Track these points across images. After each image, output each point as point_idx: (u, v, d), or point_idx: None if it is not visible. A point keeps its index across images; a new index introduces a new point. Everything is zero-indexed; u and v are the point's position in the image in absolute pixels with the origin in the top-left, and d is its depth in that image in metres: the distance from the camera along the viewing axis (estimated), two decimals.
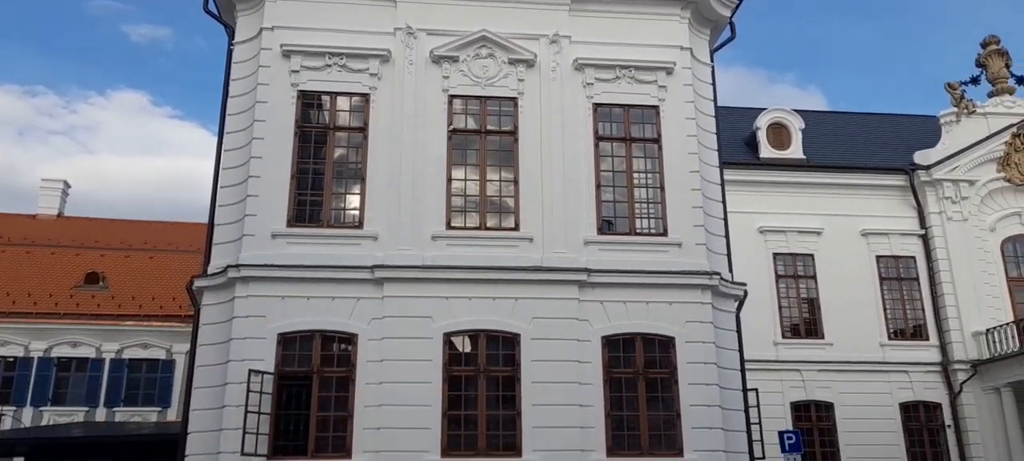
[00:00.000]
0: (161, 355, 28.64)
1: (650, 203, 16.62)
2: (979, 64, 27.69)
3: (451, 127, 16.59)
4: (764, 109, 26.57)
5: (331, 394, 14.92)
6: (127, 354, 28.55)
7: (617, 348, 15.64)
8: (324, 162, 16.26)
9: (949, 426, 23.24)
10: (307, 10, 16.88)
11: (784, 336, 23.58)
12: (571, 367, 15.20)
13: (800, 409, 22.90)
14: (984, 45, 27.80)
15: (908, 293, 24.60)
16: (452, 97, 16.77)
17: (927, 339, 24.04)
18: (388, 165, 16.15)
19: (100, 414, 27.95)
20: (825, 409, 23.02)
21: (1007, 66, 27.42)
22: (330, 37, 16.70)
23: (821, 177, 25.00)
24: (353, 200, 16.13)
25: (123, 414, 27.89)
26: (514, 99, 16.86)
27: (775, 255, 24.25)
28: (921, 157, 25.44)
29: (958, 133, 25.90)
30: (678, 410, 15.29)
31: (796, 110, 26.85)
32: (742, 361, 16.58)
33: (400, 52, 16.83)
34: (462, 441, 14.82)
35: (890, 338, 23.96)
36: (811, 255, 24.37)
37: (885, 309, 24.26)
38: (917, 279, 24.65)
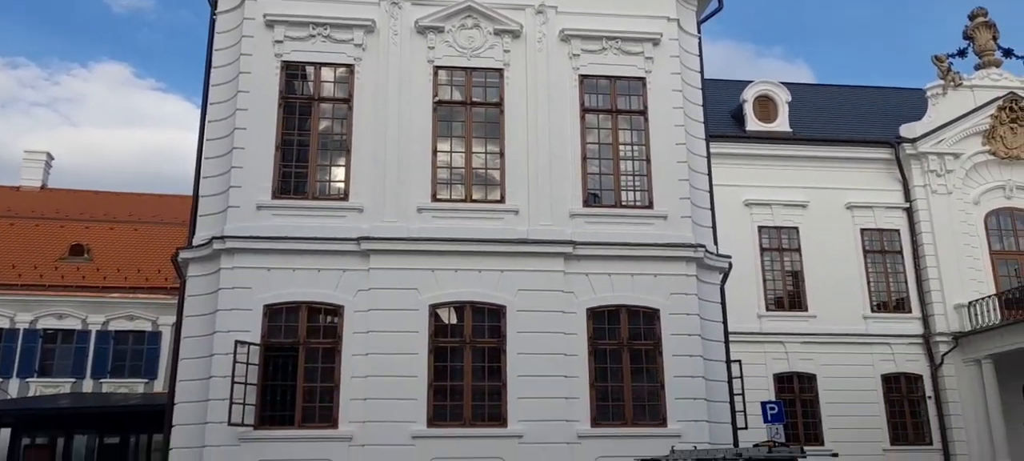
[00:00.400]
0: (147, 327, 28.60)
1: (636, 175, 16.64)
2: (966, 36, 27.72)
3: (436, 98, 16.52)
4: (751, 81, 26.54)
5: (317, 365, 14.98)
6: (113, 326, 28.48)
7: (602, 320, 15.74)
8: (309, 133, 16.18)
9: (930, 397, 23.55)
10: None
11: (768, 309, 23.77)
12: (556, 338, 15.30)
13: (783, 380, 23.15)
14: (971, 18, 27.82)
15: (892, 266, 24.81)
16: (437, 68, 16.67)
17: (909, 312, 24.29)
18: (373, 137, 16.09)
19: (87, 385, 27.93)
20: (808, 381, 23.29)
21: (994, 39, 27.44)
22: (314, 7, 16.54)
23: (807, 150, 25.06)
24: (338, 172, 16.09)
25: (110, 385, 27.90)
26: (500, 70, 16.78)
27: (760, 228, 24.36)
28: (907, 130, 25.53)
29: (944, 106, 25.98)
30: (662, 381, 15.45)
31: (783, 83, 26.86)
32: (726, 333, 16.73)
33: (385, 22, 16.70)
34: (448, 412, 14.94)
35: (873, 311, 24.19)
36: (796, 228, 24.50)
37: (869, 282, 24.47)
38: (901, 252, 24.84)
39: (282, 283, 15.14)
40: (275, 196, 15.63)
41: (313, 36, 16.48)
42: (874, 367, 23.51)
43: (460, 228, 15.71)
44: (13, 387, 27.76)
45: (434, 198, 15.97)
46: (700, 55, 18.24)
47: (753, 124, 25.66)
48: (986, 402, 22.64)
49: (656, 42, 17.25)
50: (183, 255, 15.69)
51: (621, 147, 16.77)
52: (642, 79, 17.13)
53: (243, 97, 16.00)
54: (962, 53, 27.42)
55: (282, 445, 14.38)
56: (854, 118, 27.42)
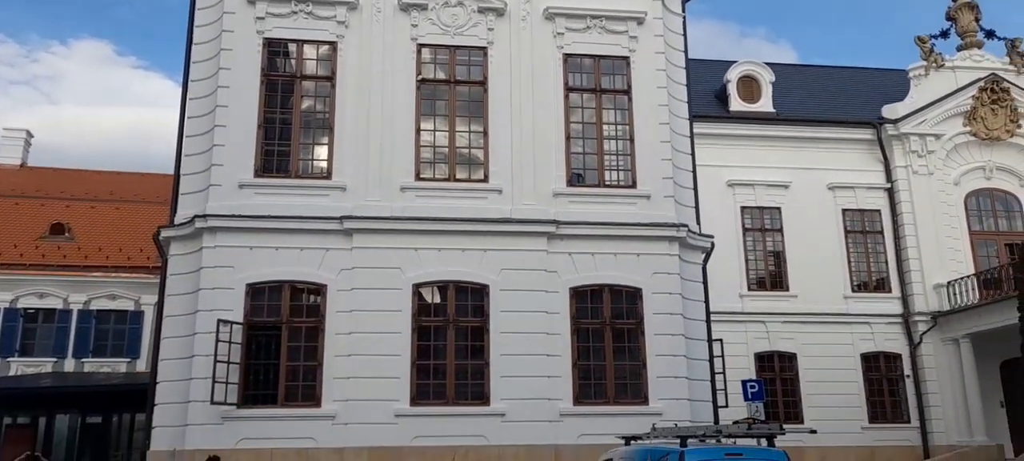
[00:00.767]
0: (129, 306, 28.41)
1: (619, 155, 16.67)
2: (949, 17, 27.80)
3: (420, 77, 16.44)
4: (735, 62, 26.55)
5: (300, 344, 15.00)
6: (95, 305, 28.25)
7: (585, 299, 15.82)
8: (291, 112, 16.08)
9: (908, 376, 23.84)
10: None
11: (750, 288, 23.91)
12: (539, 318, 15.38)
13: (764, 359, 23.36)
14: None
15: (872, 246, 25.01)
16: (421, 46, 16.58)
17: (889, 291, 24.50)
18: (356, 115, 16.01)
19: (69, 365, 27.74)
20: (788, 359, 23.50)
21: (976, 19, 27.53)
22: None
23: (790, 130, 25.13)
24: (321, 150, 16.02)
25: (92, 365, 27.71)
26: (483, 49, 16.71)
27: (743, 208, 24.47)
28: (889, 111, 25.65)
29: (926, 87, 26.10)
30: (644, 360, 15.57)
31: (767, 63, 26.89)
32: (708, 312, 16.87)
33: None
34: (431, 390, 15.01)
35: (853, 290, 24.39)
36: (778, 208, 24.62)
37: (849, 262, 24.67)
38: (882, 232, 25.02)
39: (265, 262, 15.10)
40: (257, 175, 15.56)
41: (295, 13, 16.34)
42: (854, 346, 23.76)
43: (444, 207, 15.71)
44: None
45: (417, 177, 15.95)
46: (684, 35, 18.25)
47: (737, 104, 25.70)
48: (963, 381, 22.94)
49: (640, 21, 17.22)
50: (165, 234, 15.60)
51: (605, 127, 16.78)
52: (626, 58, 17.12)
53: (225, 75, 15.86)
54: (945, 34, 27.51)
55: (265, 424, 14.40)
56: (837, 99, 27.52)
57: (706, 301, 16.89)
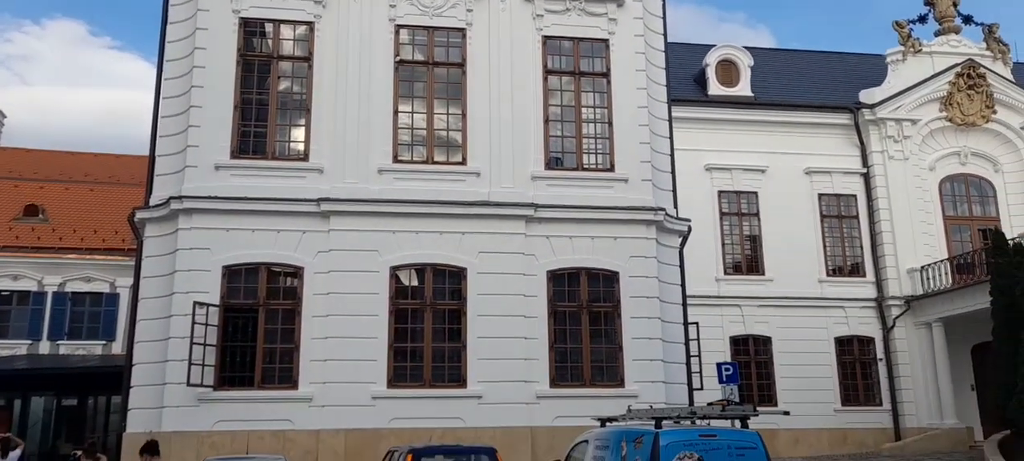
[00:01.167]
0: (105, 288, 28.15)
1: (597, 138, 16.70)
2: (927, 2, 27.93)
3: (398, 58, 16.35)
4: (713, 46, 26.62)
5: (277, 326, 14.97)
6: (70, 287, 27.98)
7: (562, 282, 15.89)
8: (268, 92, 15.95)
9: (880, 359, 24.19)
10: None
11: (726, 272, 24.12)
12: (516, 300, 15.43)
13: (739, 343, 23.59)
14: None
15: (848, 231, 25.27)
16: (399, 27, 16.47)
17: (864, 276, 24.81)
18: (333, 96, 15.90)
19: (44, 347, 27.50)
20: (763, 343, 23.75)
21: (954, 5, 27.71)
22: None
23: (768, 115, 25.27)
24: (298, 132, 15.91)
25: (67, 347, 27.49)
26: (462, 30, 16.64)
27: (720, 193, 24.62)
28: (866, 96, 25.83)
29: (904, 72, 26.29)
30: (620, 343, 15.69)
31: (746, 47, 26.98)
32: (684, 296, 17.00)
33: None
34: (408, 373, 15.05)
35: (828, 275, 24.66)
36: (755, 193, 24.79)
37: (825, 246, 24.91)
38: (857, 217, 25.27)
39: (241, 244, 15.01)
40: (234, 156, 15.44)
41: None
42: (828, 330, 24.05)
43: (421, 190, 15.68)
44: None
45: (395, 159, 15.90)
46: (663, 18, 18.25)
47: (715, 88, 25.79)
48: (935, 364, 23.31)
49: (620, 3, 17.20)
50: (140, 215, 15.46)
51: (583, 110, 16.79)
52: (605, 41, 17.11)
53: (200, 54, 15.69)
54: (923, 19, 27.70)
55: (242, 406, 14.37)
56: (815, 83, 27.69)
57: (682, 284, 17.02)
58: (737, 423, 9.97)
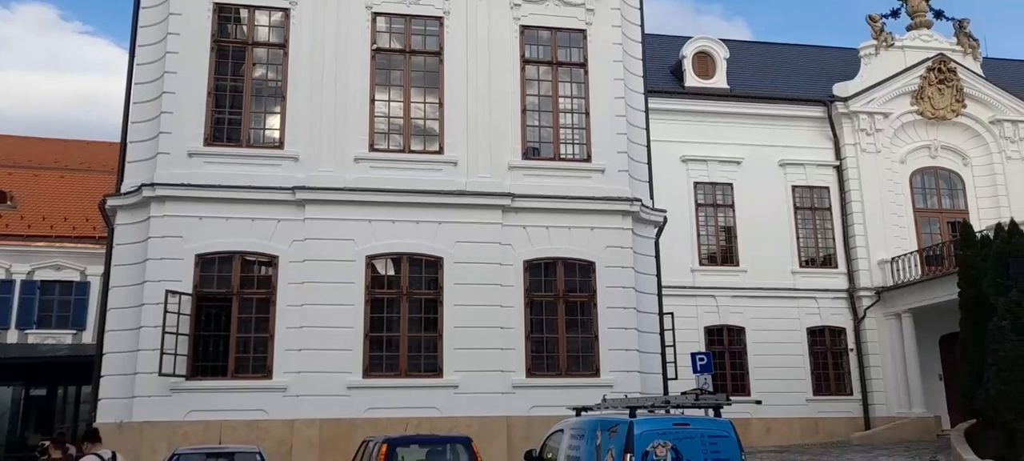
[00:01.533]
0: (75, 277, 27.70)
1: (574, 128, 16.72)
2: None
3: (375, 46, 16.23)
4: (690, 37, 26.73)
5: (251, 315, 14.85)
6: (39, 275, 27.48)
7: (538, 272, 15.93)
8: (242, 79, 15.78)
9: (851, 350, 24.53)
10: None
11: (701, 263, 24.29)
12: (493, 290, 15.43)
13: (713, 333, 23.81)
14: None
15: (820, 223, 25.54)
16: (375, 14, 16.35)
17: (836, 267, 25.11)
18: (309, 84, 15.76)
19: (12, 336, 27.01)
20: (737, 333, 23.99)
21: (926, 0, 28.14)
22: None
23: (743, 107, 25.44)
24: (273, 119, 15.76)
25: (36, 336, 27.02)
26: (440, 18, 16.56)
27: (696, 184, 24.76)
28: (840, 89, 26.11)
29: (876, 66, 26.60)
30: (596, 332, 15.76)
31: (722, 39, 27.12)
32: (659, 286, 17.11)
33: None
34: (384, 362, 15.01)
35: (801, 266, 24.92)
36: (730, 184, 24.97)
37: (798, 238, 25.16)
38: (830, 209, 25.57)
39: (215, 232, 14.86)
40: (207, 143, 15.27)
41: None
42: (800, 320, 24.33)
43: (398, 179, 15.61)
44: None
45: (372, 148, 15.81)
46: (640, 9, 18.30)
47: (692, 80, 25.91)
48: (904, 354, 23.69)
49: None
50: (111, 202, 15.24)
51: (561, 100, 16.80)
52: (583, 31, 17.12)
53: (173, 40, 15.48)
54: (895, 13, 28.01)
55: (215, 396, 14.25)
56: (790, 76, 27.91)
57: (658, 275, 17.13)
58: (710, 412, 10.09)
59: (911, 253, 24.18)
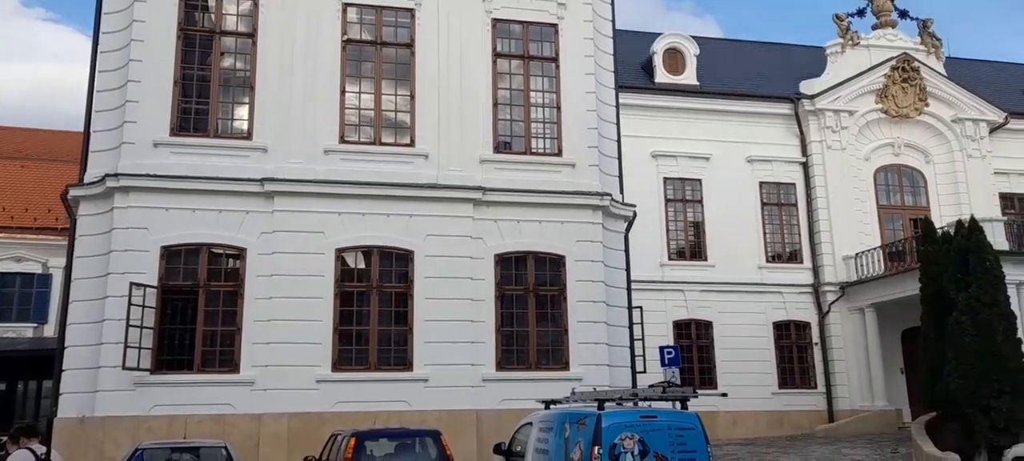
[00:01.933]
0: (37, 269, 27.11)
1: (546, 123, 16.76)
2: None
3: (345, 37, 16.10)
4: (661, 34, 26.90)
5: (218, 309, 14.68)
6: None
7: (509, 265, 15.95)
8: (210, 68, 15.57)
9: (816, 344, 24.91)
10: None
11: (670, 257, 24.49)
12: (464, 284, 15.42)
13: (681, 327, 24.01)
14: None
15: (787, 218, 25.88)
16: (346, 5, 16.22)
17: (801, 262, 25.46)
18: (279, 75, 15.60)
19: None
20: (705, 327, 24.24)
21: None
22: None
23: (713, 104, 25.66)
24: (241, 110, 15.58)
25: None
26: (411, 10, 16.47)
27: (665, 179, 24.94)
28: (807, 87, 26.45)
29: (842, 64, 26.99)
30: (566, 326, 15.83)
31: (692, 36, 27.32)
32: (629, 280, 17.22)
33: None
34: (353, 356, 14.93)
35: (768, 261, 25.25)
36: (699, 180, 25.19)
37: (765, 233, 25.46)
38: (796, 205, 25.89)
39: (181, 224, 14.66)
40: (173, 133, 15.05)
41: None
42: (766, 315, 24.64)
43: (368, 171, 15.51)
44: None
45: (342, 140, 15.70)
46: (612, 4, 18.36)
47: (662, 76, 26.06)
48: (867, 348, 24.12)
49: None
50: (74, 193, 14.95)
51: (532, 94, 16.82)
52: (554, 26, 17.15)
53: (138, 27, 15.22)
54: (861, 13, 28.42)
55: (181, 390, 14.07)
56: (758, 73, 28.19)
57: (627, 269, 17.23)
58: (677, 405, 10.20)
59: (874, 249, 24.60)
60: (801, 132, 26.25)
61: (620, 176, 17.60)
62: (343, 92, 15.86)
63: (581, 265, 16.05)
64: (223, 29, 15.77)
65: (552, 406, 11.26)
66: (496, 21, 16.87)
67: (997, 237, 19.76)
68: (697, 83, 26.22)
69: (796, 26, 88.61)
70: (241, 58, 15.76)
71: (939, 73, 27.58)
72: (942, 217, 24.76)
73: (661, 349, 18.64)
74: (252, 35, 15.75)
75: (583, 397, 10.81)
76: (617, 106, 18.02)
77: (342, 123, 15.75)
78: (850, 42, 27.42)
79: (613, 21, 18.29)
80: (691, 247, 25.02)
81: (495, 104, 16.52)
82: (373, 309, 15.18)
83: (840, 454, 18.47)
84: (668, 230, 24.72)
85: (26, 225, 27.41)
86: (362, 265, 15.44)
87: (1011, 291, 18.37)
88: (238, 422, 14.09)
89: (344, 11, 16.17)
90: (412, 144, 15.96)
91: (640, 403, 10.47)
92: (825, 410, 24.34)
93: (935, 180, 27.03)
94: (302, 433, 14.10)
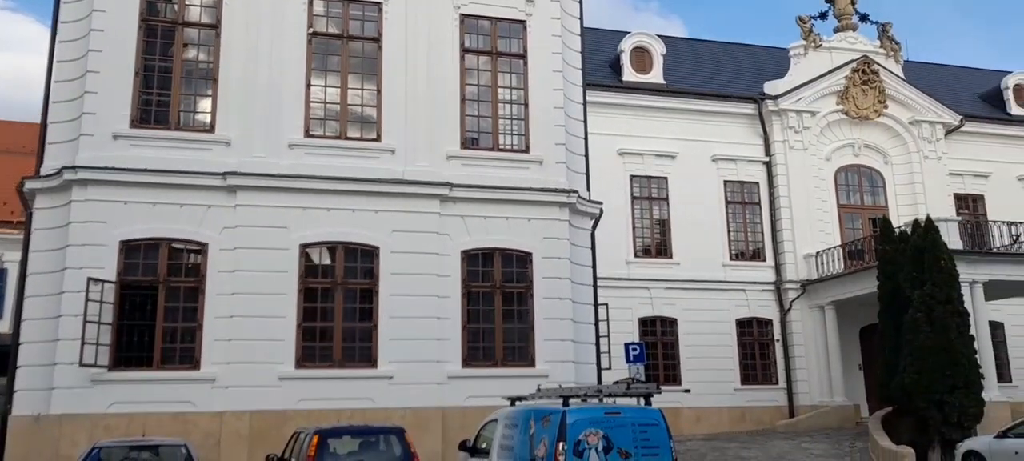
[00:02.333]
0: None
1: (513, 119, 16.76)
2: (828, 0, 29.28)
3: (311, 30, 15.93)
4: (628, 32, 27.06)
5: (179, 304, 14.44)
6: None
7: (476, 262, 15.93)
8: (172, 60, 15.29)
9: (778, 340, 25.29)
10: None
11: (636, 255, 24.67)
12: (430, 280, 15.36)
13: (647, 323, 24.21)
14: None
15: (750, 217, 26.22)
16: None
17: (764, 260, 25.83)
18: (243, 67, 15.37)
19: None
20: (669, 324, 24.47)
21: (853, 3, 29.07)
22: None
23: (679, 102, 25.87)
24: (204, 102, 15.33)
25: None
26: (378, 4, 16.35)
27: (632, 177, 25.11)
28: (770, 87, 26.83)
29: (805, 66, 27.42)
30: (532, 323, 15.86)
31: (659, 35, 27.52)
32: (595, 277, 17.31)
33: None
34: (317, 353, 14.80)
35: (731, 259, 25.57)
36: (665, 178, 25.40)
37: (729, 231, 25.77)
38: (759, 204, 26.24)
39: (141, 218, 14.39)
40: (133, 125, 14.76)
41: None
42: (730, 311, 24.93)
43: (334, 166, 15.38)
44: None
45: (307, 134, 15.53)
46: (580, 2, 18.41)
47: (629, 75, 26.21)
48: (826, 345, 24.57)
49: None
50: (30, 185, 14.59)
51: (500, 90, 16.81)
52: (523, 22, 17.15)
53: (99, 17, 14.89)
54: (824, 16, 28.92)
55: (139, 387, 13.83)
56: (723, 74, 28.51)
57: (594, 266, 17.33)
58: (641, 401, 10.30)
59: (834, 247, 25.05)
60: (764, 132, 26.60)
61: (587, 173, 17.67)
62: (309, 85, 15.69)
63: (548, 262, 16.09)
64: (186, 20, 15.49)
65: (517, 403, 11.29)
66: (464, 16, 16.82)
67: (951, 237, 20.24)
68: (664, 82, 26.42)
69: (760, 28, 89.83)
70: (204, 50, 15.51)
71: (898, 76, 28.15)
72: (900, 217, 25.32)
73: (626, 346, 18.76)
74: (216, 26, 15.50)
75: (548, 394, 10.86)
76: (585, 104, 18.09)
77: (307, 117, 15.58)
78: (812, 44, 27.85)
79: (581, 19, 18.35)
80: (657, 245, 25.22)
81: (463, 100, 16.47)
82: (338, 305, 15.06)
83: (800, 449, 18.78)
84: (634, 228, 24.88)
85: None
86: (327, 261, 15.30)
87: (965, 289, 18.87)
88: (199, 420, 13.89)
89: (310, 4, 15.99)
90: (378, 139, 15.85)
91: (605, 399, 10.54)
92: (786, 405, 24.72)
93: (893, 180, 27.60)
94: (264, 431, 13.94)
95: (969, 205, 28.32)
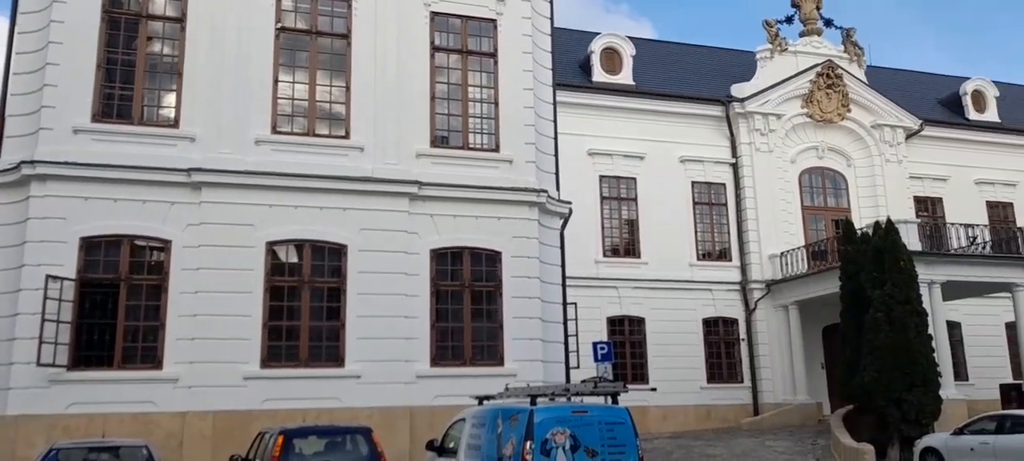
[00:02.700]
0: None
1: (483, 118, 16.73)
2: (794, 4, 29.71)
3: (279, 25, 15.74)
4: (599, 33, 27.19)
5: (141, 303, 14.18)
6: None
7: (445, 261, 15.87)
8: (135, 53, 14.99)
9: (743, 340, 25.63)
10: None
11: (605, 255, 24.80)
12: (398, 279, 15.27)
13: (615, 323, 24.38)
14: None
15: (717, 218, 26.52)
16: None
17: (730, 260, 26.13)
18: (209, 62, 15.13)
19: None
20: (637, 323, 24.65)
21: (818, 8, 29.56)
22: None
23: (648, 104, 26.06)
24: (168, 97, 15.06)
25: None
26: (347, 0, 16.19)
27: (601, 177, 25.25)
28: (737, 90, 27.14)
29: (771, 69, 27.79)
30: (501, 322, 15.85)
31: (629, 37, 27.68)
32: (564, 277, 17.35)
33: None
34: (283, 352, 14.63)
35: (698, 259, 25.82)
36: (634, 178, 25.58)
37: (696, 232, 26.04)
38: (726, 205, 26.56)
39: (102, 214, 14.10)
40: (95, 119, 14.45)
41: None
42: (697, 311, 25.19)
43: (302, 163, 15.21)
44: None
45: (274, 130, 15.35)
46: (551, 2, 18.43)
47: (599, 75, 26.34)
48: (790, 344, 24.93)
49: None
50: None
51: (470, 89, 16.76)
52: (493, 21, 17.12)
53: (59, 8, 14.56)
54: (789, 20, 29.37)
55: (99, 387, 13.54)
56: (692, 76, 28.78)
57: (563, 266, 17.36)
58: (608, 399, 10.35)
59: (799, 248, 25.42)
60: (731, 134, 26.92)
61: (557, 173, 17.71)
62: (276, 81, 15.50)
63: (517, 261, 16.08)
64: (151, 12, 15.22)
65: (485, 402, 11.28)
66: (434, 14, 16.75)
67: (911, 238, 20.67)
68: (633, 83, 26.60)
69: (728, 31, 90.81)
70: (169, 43, 15.24)
71: (861, 80, 28.65)
72: (862, 218, 25.77)
73: (594, 345, 18.87)
74: (181, 20, 15.25)
75: (516, 393, 10.86)
76: (554, 103, 18.13)
77: (275, 113, 15.39)
78: (778, 48, 28.24)
79: (552, 19, 18.38)
80: (625, 244, 25.38)
81: (433, 98, 16.40)
82: (304, 304, 14.90)
83: (764, 446, 19.03)
84: (603, 227, 25.02)
85: None
86: (294, 259, 15.14)
87: (923, 289, 19.27)
88: (161, 421, 13.65)
89: None
90: (347, 136, 15.72)
91: (573, 398, 10.57)
92: (751, 404, 25.04)
93: (855, 183, 28.10)
94: (228, 432, 13.74)
95: (928, 207, 28.94)
